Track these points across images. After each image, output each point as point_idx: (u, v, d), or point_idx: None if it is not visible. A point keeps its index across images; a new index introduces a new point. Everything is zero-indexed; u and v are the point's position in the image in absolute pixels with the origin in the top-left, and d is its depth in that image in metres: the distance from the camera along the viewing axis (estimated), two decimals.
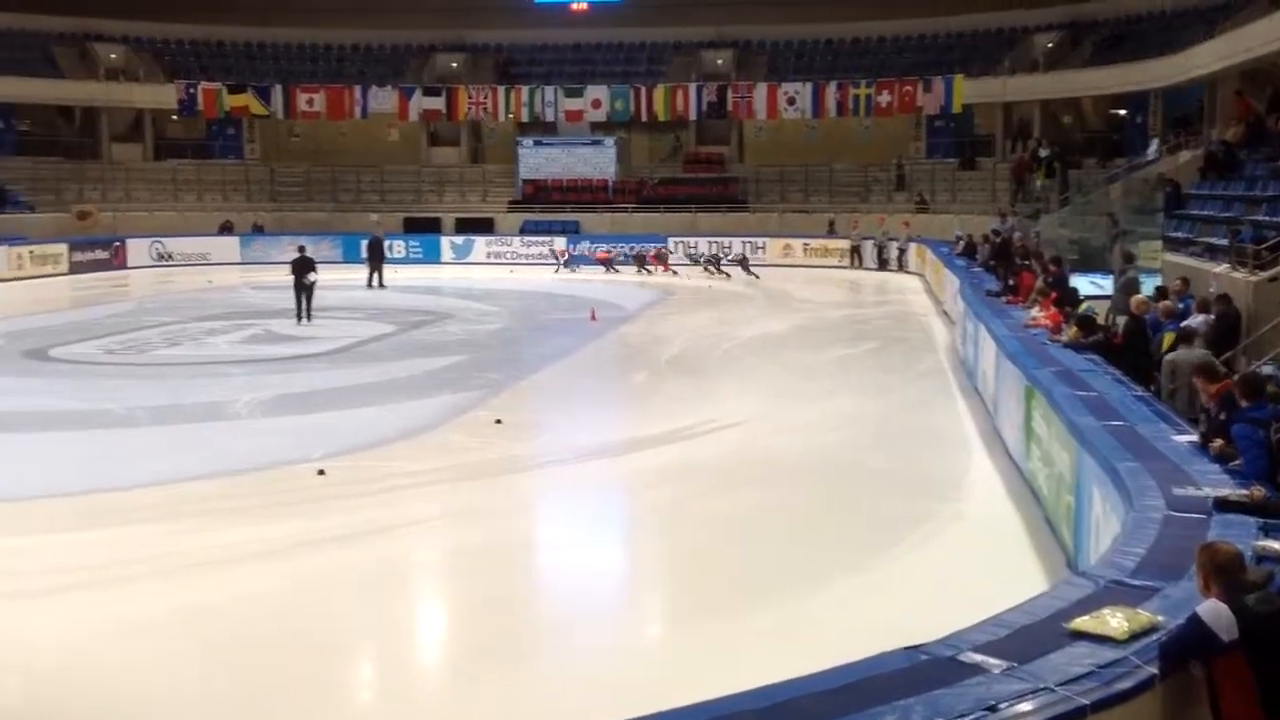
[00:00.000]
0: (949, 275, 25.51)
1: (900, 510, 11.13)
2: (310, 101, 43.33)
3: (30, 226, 38.82)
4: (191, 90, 43.08)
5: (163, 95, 44.11)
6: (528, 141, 45.25)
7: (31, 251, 36.19)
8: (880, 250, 38.70)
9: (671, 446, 13.88)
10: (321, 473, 11.89)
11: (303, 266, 24.58)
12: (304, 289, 24.35)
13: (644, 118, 43.19)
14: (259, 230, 43.01)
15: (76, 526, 10.44)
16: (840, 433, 14.64)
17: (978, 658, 4.80)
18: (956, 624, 5.17)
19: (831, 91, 40.56)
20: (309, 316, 24.34)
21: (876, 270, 38.13)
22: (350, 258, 37.99)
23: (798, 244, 40.33)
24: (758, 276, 35.40)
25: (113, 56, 45.91)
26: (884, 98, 40.17)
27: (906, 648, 4.88)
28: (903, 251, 38.02)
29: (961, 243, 30.68)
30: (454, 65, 47.47)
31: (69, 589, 8.93)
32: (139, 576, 9.26)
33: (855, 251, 39.13)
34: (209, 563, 9.51)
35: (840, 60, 45.04)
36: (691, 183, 44.57)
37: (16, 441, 14.08)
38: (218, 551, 9.75)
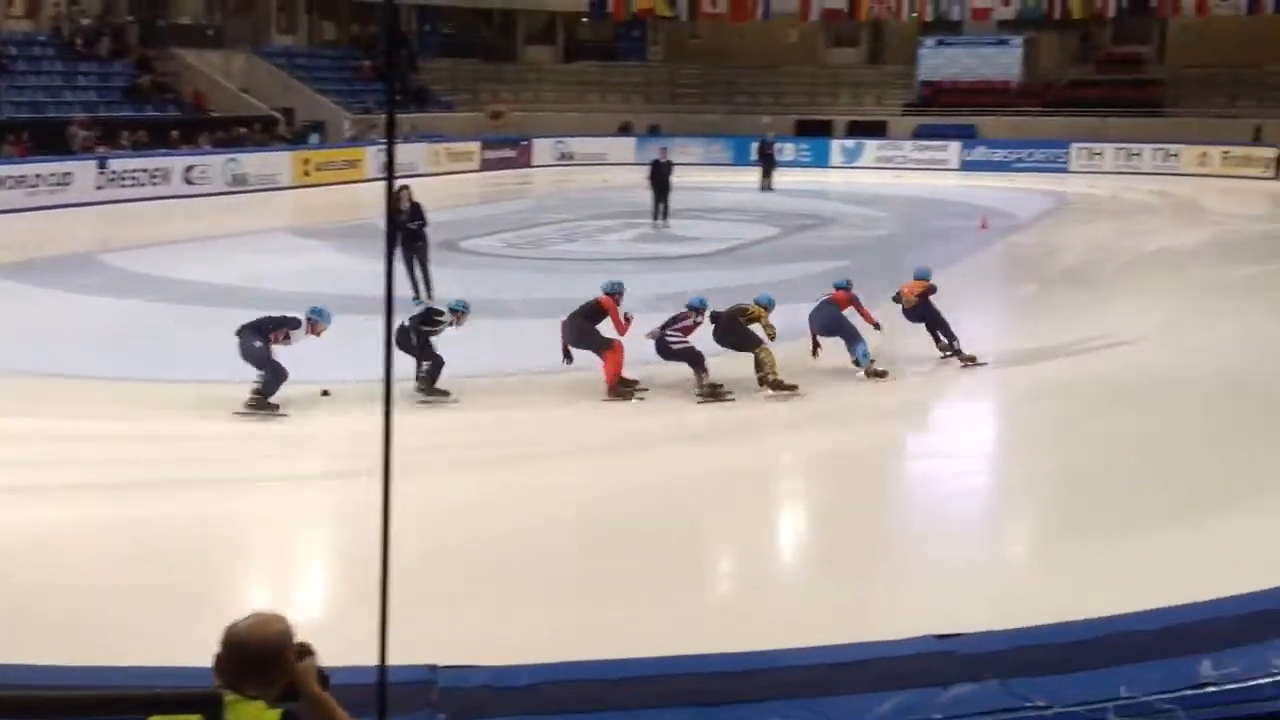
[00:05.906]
0: None
1: None
2: (714, 3, 43.48)
3: (448, 125, 41.41)
4: None
5: None
6: (930, 41, 43.91)
7: (448, 149, 38.57)
8: None
9: (1060, 361, 13.33)
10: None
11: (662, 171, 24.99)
12: (662, 191, 24.79)
13: (1057, 15, 40.85)
14: (654, 132, 43.93)
15: (484, 406, 11.26)
16: (1249, 356, 13.50)
17: None
18: None
19: None
20: (665, 217, 24.79)
21: None
22: (741, 160, 38.27)
23: (1215, 152, 37.25)
24: None
25: None
26: None
27: None
28: None
29: None
30: None
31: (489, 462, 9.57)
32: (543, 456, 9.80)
33: None
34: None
35: None
36: (1104, 85, 41.98)
37: None
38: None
